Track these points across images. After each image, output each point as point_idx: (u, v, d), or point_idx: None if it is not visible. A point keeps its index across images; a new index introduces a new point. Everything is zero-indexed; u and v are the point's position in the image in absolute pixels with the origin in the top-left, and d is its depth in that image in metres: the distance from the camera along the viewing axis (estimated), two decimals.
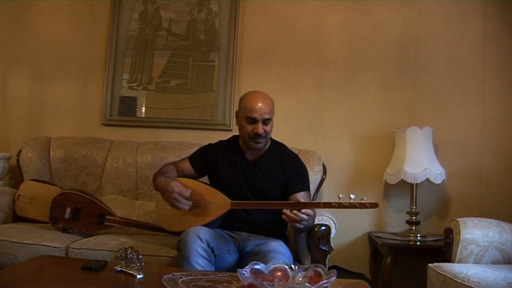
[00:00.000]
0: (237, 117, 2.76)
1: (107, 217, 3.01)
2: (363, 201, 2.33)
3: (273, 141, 2.83)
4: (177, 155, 3.33)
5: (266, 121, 2.63)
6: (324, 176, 3.47)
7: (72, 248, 2.76)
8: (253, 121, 2.62)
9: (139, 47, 3.93)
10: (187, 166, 2.85)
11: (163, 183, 2.65)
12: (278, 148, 2.83)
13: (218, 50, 3.87)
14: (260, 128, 2.61)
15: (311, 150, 3.48)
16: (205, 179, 2.90)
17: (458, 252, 2.66)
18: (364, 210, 2.36)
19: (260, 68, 3.85)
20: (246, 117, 2.63)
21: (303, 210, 2.31)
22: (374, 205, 2.35)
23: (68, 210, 3.00)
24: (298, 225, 2.34)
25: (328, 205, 2.39)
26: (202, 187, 2.74)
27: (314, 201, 2.42)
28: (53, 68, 4.02)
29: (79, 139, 3.67)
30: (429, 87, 3.68)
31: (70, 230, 2.97)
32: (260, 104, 2.61)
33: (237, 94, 3.75)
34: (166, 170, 2.81)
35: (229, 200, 2.62)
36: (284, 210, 2.32)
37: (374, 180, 3.65)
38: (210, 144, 2.94)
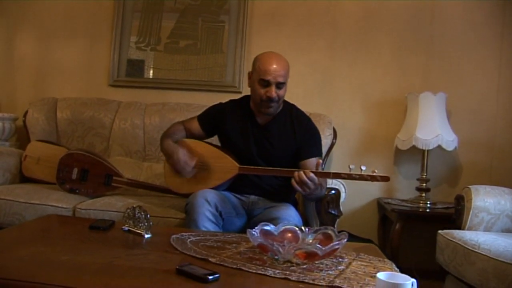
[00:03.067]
0: (249, 78, 2.66)
1: (114, 178, 3.01)
2: (374, 174, 2.27)
3: (285, 103, 2.73)
4: (186, 117, 3.23)
5: (280, 85, 2.53)
6: (334, 141, 3.46)
7: (79, 208, 2.78)
8: (267, 84, 2.52)
9: (147, 9, 3.87)
10: (196, 126, 2.79)
11: (170, 149, 2.63)
12: (290, 110, 2.73)
13: (229, 10, 3.81)
14: (274, 92, 2.50)
15: (322, 114, 3.45)
16: (215, 140, 2.87)
17: (468, 220, 2.67)
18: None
19: (271, 30, 3.79)
20: (259, 79, 2.53)
21: (310, 175, 2.27)
22: (385, 179, 2.29)
23: (75, 170, 3.01)
24: (302, 191, 2.31)
25: (337, 175, 2.34)
26: (210, 150, 2.71)
27: (323, 171, 2.37)
28: (60, 28, 3.97)
29: (86, 100, 3.66)
30: (444, 52, 3.61)
31: (77, 191, 2.97)
32: (275, 66, 2.50)
33: (247, 56, 3.73)
34: (174, 131, 2.77)
35: (237, 165, 2.59)
36: (295, 173, 2.30)
37: (385, 145, 3.64)
38: (220, 104, 2.85)
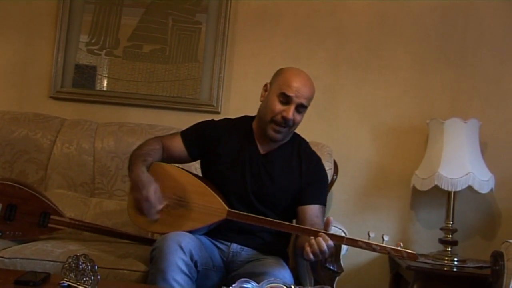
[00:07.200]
0: (265, 90, 2.71)
1: (52, 217, 2.96)
2: (400, 248, 2.24)
3: (294, 134, 2.79)
4: None
5: (300, 108, 2.59)
6: (335, 177, 3.47)
7: (3, 257, 2.70)
8: (286, 101, 2.57)
9: (103, 1, 3.89)
10: (178, 145, 2.78)
11: (141, 179, 2.55)
12: (299, 144, 2.79)
13: (207, 9, 3.84)
14: (291, 112, 2.56)
15: (320, 143, 3.46)
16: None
17: (510, 284, 2.64)
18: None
19: (260, 35, 3.82)
20: (280, 92, 2.58)
21: (329, 243, 2.23)
22: (412, 257, 2.26)
23: None
24: (314, 259, 2.26)
25: (353, 242, 2.31)
26: (195, 183, 2.66)
27: (336, 234, 2.34)
28: None
29: (18, 115, 3.62)
30: (479, 68, 3.67)
31: (0, 233, 2.91)
32: (302, 84, 2.59)
33: (227, 67, 3.77)
34: (149, 151, 2.73)
35: (226, 208, 2.54)
36: (311, 239, 2.24)
37: (399, 184, 3.66)
38: (213, 120, 2.87)
